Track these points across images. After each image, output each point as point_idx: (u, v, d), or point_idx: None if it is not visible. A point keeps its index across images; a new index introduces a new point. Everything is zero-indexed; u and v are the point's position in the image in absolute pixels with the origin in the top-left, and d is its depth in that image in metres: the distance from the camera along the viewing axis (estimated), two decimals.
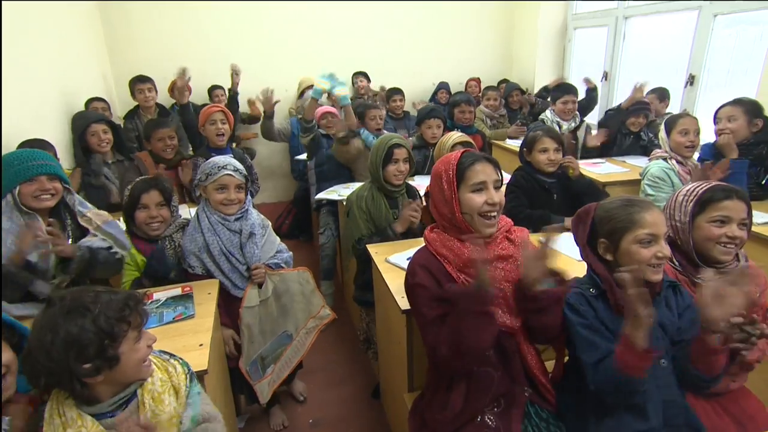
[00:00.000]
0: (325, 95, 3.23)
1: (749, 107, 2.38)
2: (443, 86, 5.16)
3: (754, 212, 2.04)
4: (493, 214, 1.29)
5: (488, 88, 4.28)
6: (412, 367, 1.58)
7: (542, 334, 1.28)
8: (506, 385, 1.28)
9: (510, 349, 1.29)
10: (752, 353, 1.30)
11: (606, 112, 3.39)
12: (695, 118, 2.43)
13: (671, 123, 2.45)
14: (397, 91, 4.25)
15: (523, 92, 4.65)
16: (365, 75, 4.76)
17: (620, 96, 4.20)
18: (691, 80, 3.55)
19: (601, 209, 1.27)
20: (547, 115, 3.52)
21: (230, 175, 1.77)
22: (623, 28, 4.29)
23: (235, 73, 3.97)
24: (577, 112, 3.49)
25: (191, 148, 3.24)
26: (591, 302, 1.24)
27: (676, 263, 1.41)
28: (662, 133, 2.51)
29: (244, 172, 1.84)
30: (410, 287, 1.32)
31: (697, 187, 1.40)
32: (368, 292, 2.06)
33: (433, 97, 4.99)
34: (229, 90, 4.11)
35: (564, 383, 1.34)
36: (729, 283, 1.08)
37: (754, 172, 2.35)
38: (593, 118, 4.42)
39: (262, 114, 3.69)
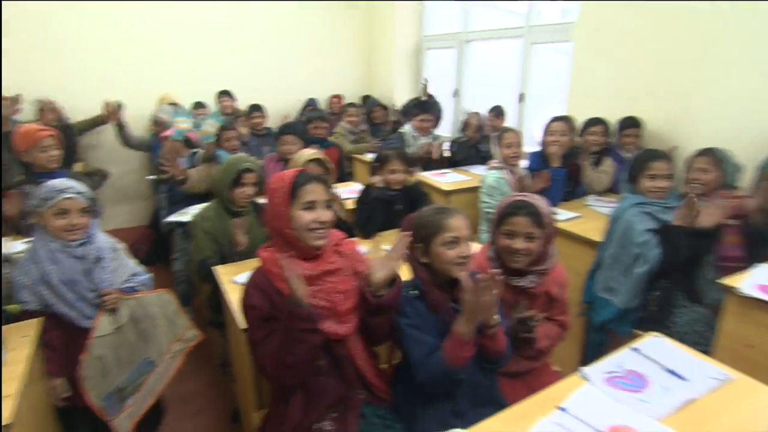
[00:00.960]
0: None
1: (572, 124, 2.81)
2: (311, 103, 5.27)
3: (560, 210, 2.43)
4: (321, 230, 1.36)
5: (349, 104, 4.44)
6: (260, 384, 1.58)
7: (378, 334, 1.39)
8: (341, 390, 1.36)
9: (341, 355, 1.37)
10: (542, 341, 1.54)
11: (459, 142, 3.74)
12: (517, 132, 2.78)
13: (499, 137, 2.78)
14: (256, 108, 4.21)
15: (384, 108, 4.91)
16: (229, 94, 4.66)
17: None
18: (521, 97, 4.07)
19: (418, 217, 1.42)
20: (408, 129, 3.78)
21: (71, 198, 1.63)
22: (466, 51, 4.76)
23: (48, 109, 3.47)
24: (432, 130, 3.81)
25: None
26: (413, 303, 1.37)
27: (498, 265, 1.59)
28: (494, 147, 2.84)
29: (89, 193, 1.70)
30: (243, 308, 1.35)
31: (503, 202, 1.59)
32: (222, 314, 2.02)
33: (303, 113, 5.05)
34: (57, 122, 3.51)
35: (396, 380, 1.46)
36: (474, 291, 1.25)
37: (567, 180, 2.76)
38: (446, 130, 4.82)
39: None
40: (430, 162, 3.58)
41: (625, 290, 1.97)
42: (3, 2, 2.16)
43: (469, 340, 1.22)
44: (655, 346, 1.36)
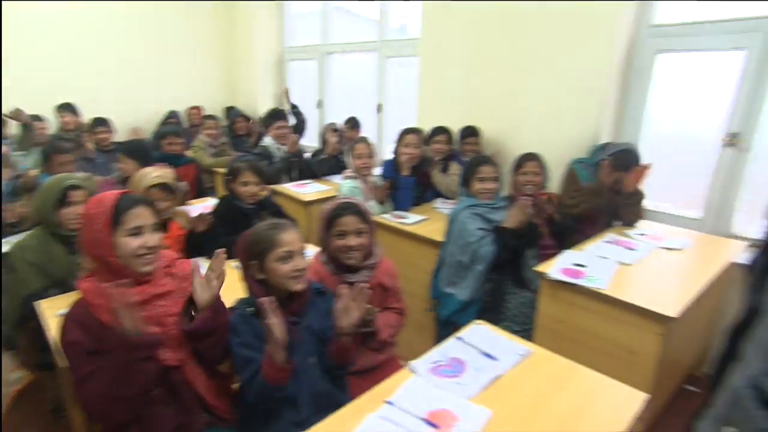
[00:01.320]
0: None
1: (423, 136, 3.00)
2: (174, 115, 4.97)
3: (410, 214, 2.60)
4: (149, 256, 1.31)
5: (206, 117, 4.27)
6: (91, 426, 1.46)
7: (208, 357, 1.37)
8: (180, 418, 1.31)
9: (178, 381, 1.32)
10: (384, 331, 1.66)
11: (319, 159, 3.78)
12: (368, 143, 2.89)
13: (351, 149, 2.89)
14: (101, 122, 3.85)
15: (247, 119, 4.81)
16: (71, 108, 4.20)
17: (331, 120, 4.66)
18: (379, 108, 4.27)
19: (251, 234, 1.43)
20: (269, 141, 3.74)
21: None
22: (328, 63, 4.86)
23: None
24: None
25: None
26: (249, 320, 1.37)
27: (333, 267, 1.68)
28: (348, 157, 2.95)
29: None
30: (62, 345, 1.24)
31: (328, 207, 1.68)
32: (50, 353, 1.82)
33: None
34: None
35: (240, 396, 1.45)
36: (351, 298, 1.36)
37: (417, 186, 2.96)
38: (311, 139, 4.86)
39: None
40: (293, 170, 3.60)
41: (465, 285, 2.18)
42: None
43: (282, 365, 1.24)
44: (476, 333, 1.53)
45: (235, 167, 2.36)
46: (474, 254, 2.15)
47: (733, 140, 2.39)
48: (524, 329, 2.12)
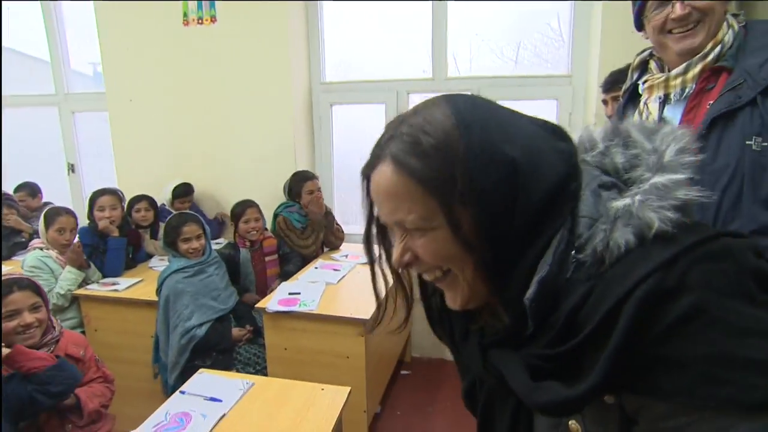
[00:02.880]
0: None
1: (120, 195, 2.75)
2: None
3: (121, 279, 2.43)
4: None
5: None
6: None
7: None
8: None
9: None
10: (89, 403, 1.58)
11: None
12: (70, 214, 2.53)
13: (46, 218, 2.44)
14: None
15: None
16: None
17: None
18: (72, 168, 3.79)
19: None
20: None
21: None
22: None
23: None
24: None
25: None
26: None
27: None
28: (41, 227, 2.49)
29: None
30: None
31: None
32: None
33: None
34: None
35: None
36: None
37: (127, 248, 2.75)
38: None
39: None
40: None
41: (175, 351, 2.12)
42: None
43: None
44: (199, 382, 1.56)
45: None
46: (179, 325, 2.11)
47: None
48: (258, 369, 2.22)
